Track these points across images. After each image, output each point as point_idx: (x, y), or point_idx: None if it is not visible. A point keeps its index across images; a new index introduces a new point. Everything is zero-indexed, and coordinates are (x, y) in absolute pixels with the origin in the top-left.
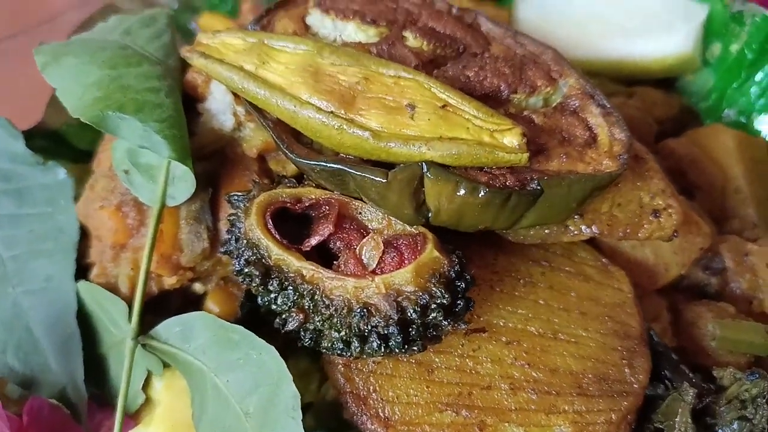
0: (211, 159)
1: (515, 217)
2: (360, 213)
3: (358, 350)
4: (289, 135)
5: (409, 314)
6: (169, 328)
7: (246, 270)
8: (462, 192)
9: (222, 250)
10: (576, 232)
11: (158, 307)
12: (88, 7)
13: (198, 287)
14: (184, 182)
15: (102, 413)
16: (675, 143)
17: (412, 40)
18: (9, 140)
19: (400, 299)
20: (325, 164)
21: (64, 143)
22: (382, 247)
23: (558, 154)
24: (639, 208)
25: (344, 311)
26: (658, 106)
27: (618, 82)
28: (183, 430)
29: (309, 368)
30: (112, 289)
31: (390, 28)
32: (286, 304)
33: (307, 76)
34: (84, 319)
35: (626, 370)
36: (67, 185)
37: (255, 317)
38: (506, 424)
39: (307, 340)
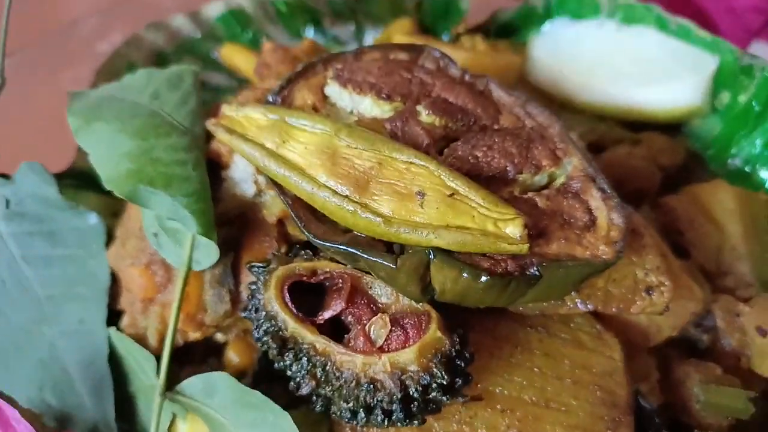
0: (233, 223)
1: (515, 297)
2: (371, 288)
3: (363, 420)
4: (307, 212)
5: (411, 392)
6: (193, 385)
7: (264, 338)
8: (465, 276)
9: (243, 315)
10: (572, 306)
11: (183, 354)
12: (106, 17)
13: (220, 337)
14: (207, 250)
15: None
16: (675, 201)
17: (424, 116)
18: (42, 185)
19: (404, 377)
20: (338, 246)
21: (94, 181)
22: (389, 327)
23: (558, 238)
24: (633, 284)
25: (353, 384)
26: (664, 154)
27: (625, 125)
28: None
29: (320, 418)
30: (141, 339)
31: (405, 101)
32: (300, 372)
33: (325, 159)
34: (115, 362)
35: None
36: (99, 230)
37: (272, 368)
38: None
39: (318, 405)
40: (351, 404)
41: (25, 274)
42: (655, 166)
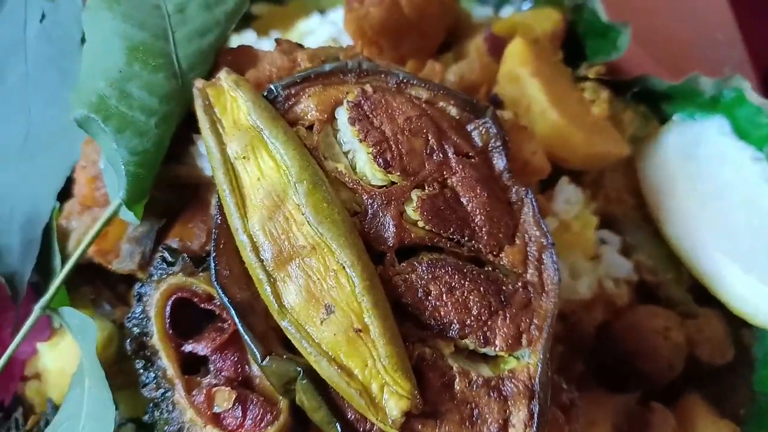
0: (182, 191)
1: None
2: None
3: None
4: (230, 241)
5: None
6: (70, 316)
7: (130, 329)
8: (321, 418)
9: (134, 291)
10: None
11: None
12: None
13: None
14: (132, 213)
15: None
16: None
17: (411, 210)
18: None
19: None
20: (224, 301)
21: None
22: (231, 404)
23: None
24: None
25: (175, 427)
26: (710, 346)
27: (693, 291)
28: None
29: None
30: (65, 237)
31: (405, 179)
32: (147, 379)
33: (268, 205)
34: (47, 235)
35: None
36: None
37: None
38: None
39: (149, 416)
40: None
41: (27, 96)
42: (683, 354)
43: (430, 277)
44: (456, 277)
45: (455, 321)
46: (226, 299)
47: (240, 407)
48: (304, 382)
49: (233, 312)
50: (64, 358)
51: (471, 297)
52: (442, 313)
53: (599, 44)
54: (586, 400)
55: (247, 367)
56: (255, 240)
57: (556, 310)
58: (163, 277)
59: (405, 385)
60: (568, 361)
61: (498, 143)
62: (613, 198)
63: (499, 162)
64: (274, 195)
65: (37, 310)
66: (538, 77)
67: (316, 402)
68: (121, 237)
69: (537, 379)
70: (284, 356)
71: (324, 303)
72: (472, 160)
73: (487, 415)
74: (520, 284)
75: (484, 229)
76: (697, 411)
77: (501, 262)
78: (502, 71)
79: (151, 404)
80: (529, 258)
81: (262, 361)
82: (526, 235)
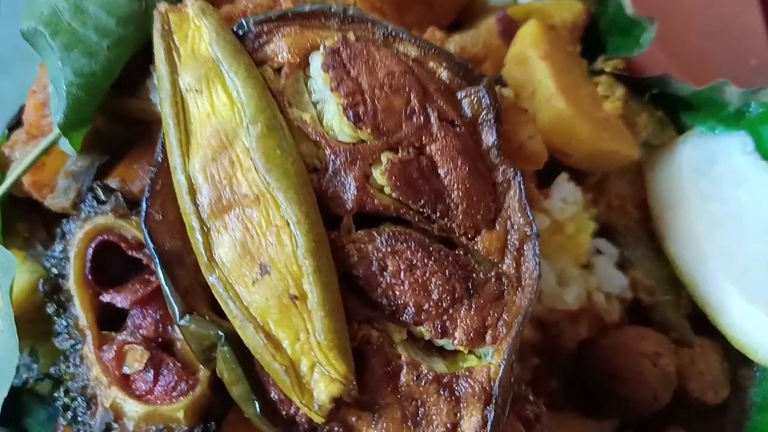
0: (132, 126)
1: None
2: None
3: (62, 423)
4: (169, 183)
5: None
6: None
7: (49, 268)
8: (240, 392)
9: (46, 255)
10: None
11: None
12: None
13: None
14: (69, 144)
15: None
16: None
17: (379, 174)
18: None
19: (115, 425)
20: (150, 249)
21: None
22: (143, 366)
23: (387, 429)
24: None
25: (79, 384)
26: (704, 382)
27: (692, 319)
28: None
29: None
30: (6, 165)
31: (376, 138)
32: (60, 325)
33: (214, 145)
34: None
35: None
36: None
37: None
38: None
39: (57, 370)
40: (66, 399)
41: None
42: (672, 385)
43: (389, 250)
44: (419, 254)
45: (411, 304)
46: (151, 245)
47: (152, 371)
48: (225, 348)
49: (157, 260)
50: None
51: (433, 279)
52: (396, 292)
53: (621, 41)
54: (554, 421)
55: (169, 328)
56: (193, 182)
57: (530, 309)
58: (91, 215)
59: (340, 367)
60: (541, 376)
61: (490, 116)
62: (616, 207)
63: (489, 137)
64: (223, 135)
65: None
66: (547, 61)
67: (236, 374)
68: (59, 171)
69: (497, 382)
70: (206, 317)
71: (259, 261)
72: (457, 129)
73: (433, 416)
74: (493, 274)
75: (459, 207)
76: None
77: (475, 248)
78: (510, 53)
79: (61, 356)
80: (509, 247)
81: (180, 320)
82: (509, 222)
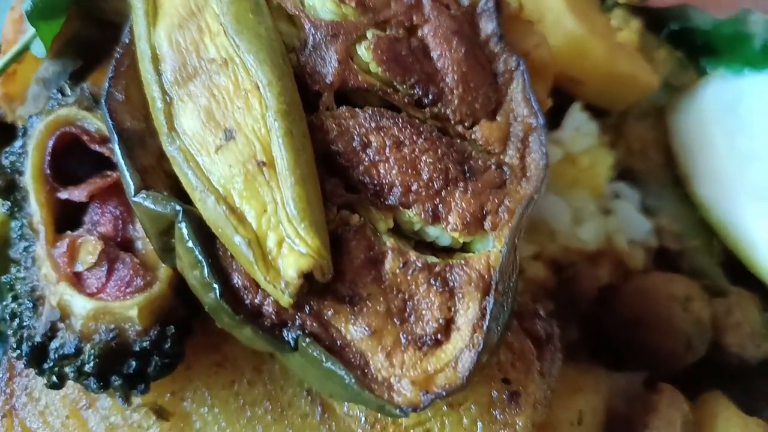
0: (107, 31)
1: (258, 345)
2: None
3: (12, 330)
4: (135, 66)
5: (51, 345)
6: None
7: (6, 166)
8: (198, 277)
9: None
10: (349, 414)
11: None
12: None
13: None
14: (41, 45)
15: None
16: None
17: (363, 50)
18: None
19: (56, 323)
20: (107, 124)
21: None
22: (96, 258)
23: (369, 325)
24: None
25: (26, 288)
26: (743, 333)
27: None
28: None
29: None
30: None
31: (362, 14)
32: (15, 224)
33: (182, 13)
34: None
35: None
36: None
37: None
38: None
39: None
40: (13, 305)
41: None
42: (706, 335)
43: (374, 126)
44: (407, 131)
45: (397, 183)
46: (109, 121)
47: (106, 266)
48: (181, 225)
49: (115, 135)
50: None
51: (423, 157)
52: (381, 170)
53: None
54: (574, 373)
55: (130, 227)
56: (157, 51)
57: (536, 198)
58: (54, 108)
59: (312, 240)
60: (559, 325)
61: (489, 4)
62: (637, 151)
63: (488, 25)
64: (193, 3)
65: None
66: None
67: (192, 256)
68: (29, 80)
69: (497, 269)
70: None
71: (224, 126)
72: (452, 11)
73: (423, 311)
74: (493, 162)
75: (455, 92)
76: (720, 406)
77: (472, 137)
78: None
79: (12, 262)
80: (511, 138)
81: (135, 195)
82: (511, 115)
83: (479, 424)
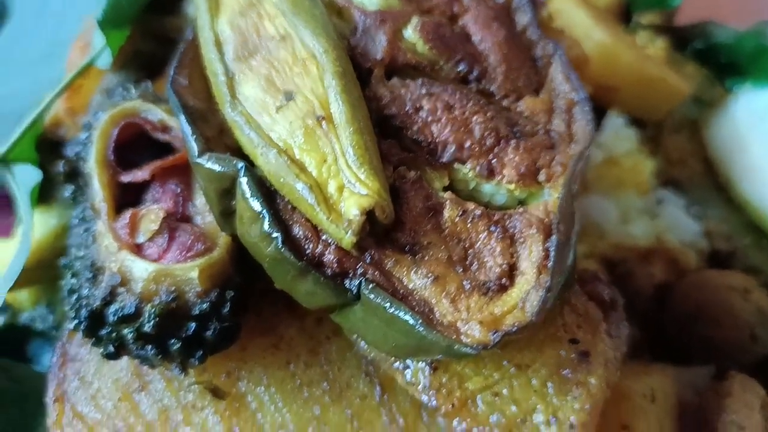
0: (167, 46)
1: (315, 301)
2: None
3: (70, 305)
4: (197, 58)
5: (109, 310)
6: None
7: (70, 156)
8: (259, 231)
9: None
10: (411, 383)
11: None
12: None
13: None
14: (106, 51)
15: None
16: None
17: (411, 32)
18: None
19: (118, 290)
20: (172, 101)
21: None
22: (158, 226)
23: (431, 272)
24: (519, 421)
25: (87, 263)
26: None
27: None
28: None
29: None
30: None
31: (406, 4)
32: (76, 221)
33: (243, 3)
34: None
35: None
36: None
37: None
38: None
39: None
40: (72, 281)
41: None
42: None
43: (425, 92)
44: (457, 96)
45: (451, 140)
46: (175, 99)
47: (167, 235)
48: (244, 179)
49: (180, 109)
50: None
51: (475, 117)
52: (434, 130)
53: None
54: (641, 369)
55: (189, 204)
56: (220, 36)
57: (587, 154)
58: (119, 103)
59: (371, 182)
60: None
61: (523, 0)
62: (676, 160)
63: (523, 17)
64: None
65: None
66: (583, 6)
67: (254, 211)
68: (92, 93)
69: (557, 213)
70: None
71: (283, 90)
72: (489, 3)
73: (486, 258)
74: (540, 127)
75: (498, 69)
76: None
77: (518, 109)
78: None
79: (73, 246)
80: (556, 111)
81: (198, 157)
82: (553, 93)
83: (549, 384)
